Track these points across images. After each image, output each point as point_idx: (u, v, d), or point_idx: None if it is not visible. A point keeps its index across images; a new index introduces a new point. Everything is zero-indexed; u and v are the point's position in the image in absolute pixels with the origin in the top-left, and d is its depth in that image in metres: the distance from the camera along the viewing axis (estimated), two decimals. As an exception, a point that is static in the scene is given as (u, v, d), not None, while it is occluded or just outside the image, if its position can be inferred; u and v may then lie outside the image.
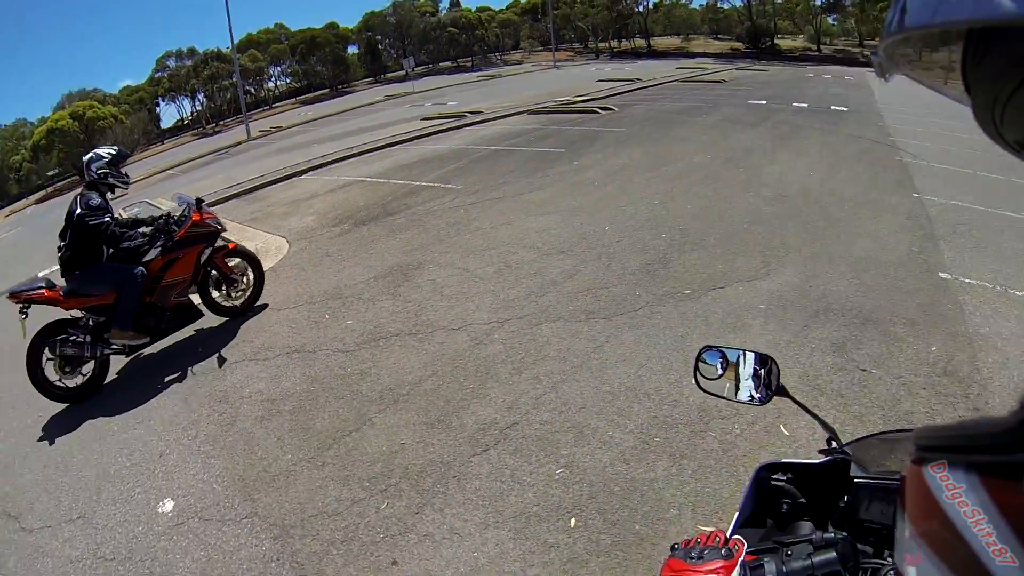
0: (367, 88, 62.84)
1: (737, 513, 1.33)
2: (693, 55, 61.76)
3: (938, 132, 13.83)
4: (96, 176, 5.17)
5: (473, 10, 75.20)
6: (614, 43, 71.86)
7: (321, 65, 70.10)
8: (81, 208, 4.99)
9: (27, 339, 4.88)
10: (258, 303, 6.36)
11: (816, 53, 63.21)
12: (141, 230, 5.39)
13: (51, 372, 5.02)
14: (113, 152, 5.35)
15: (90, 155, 5.26)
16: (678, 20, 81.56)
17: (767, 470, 1.34)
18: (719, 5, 71.67)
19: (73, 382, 5.11)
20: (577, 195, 9.39)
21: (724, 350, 1.46)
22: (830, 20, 72.49)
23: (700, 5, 76.11)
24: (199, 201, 5.59)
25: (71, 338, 5.00)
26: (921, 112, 16.91)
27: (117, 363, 5.68)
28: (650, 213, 8.11)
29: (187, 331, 6.02)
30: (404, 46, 72.62)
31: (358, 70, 73.29)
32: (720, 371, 1.45)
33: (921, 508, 0.54)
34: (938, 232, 6.69)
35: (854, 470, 1.25)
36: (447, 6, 78.86)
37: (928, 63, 0.45)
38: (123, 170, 5.41)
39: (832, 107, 17.85)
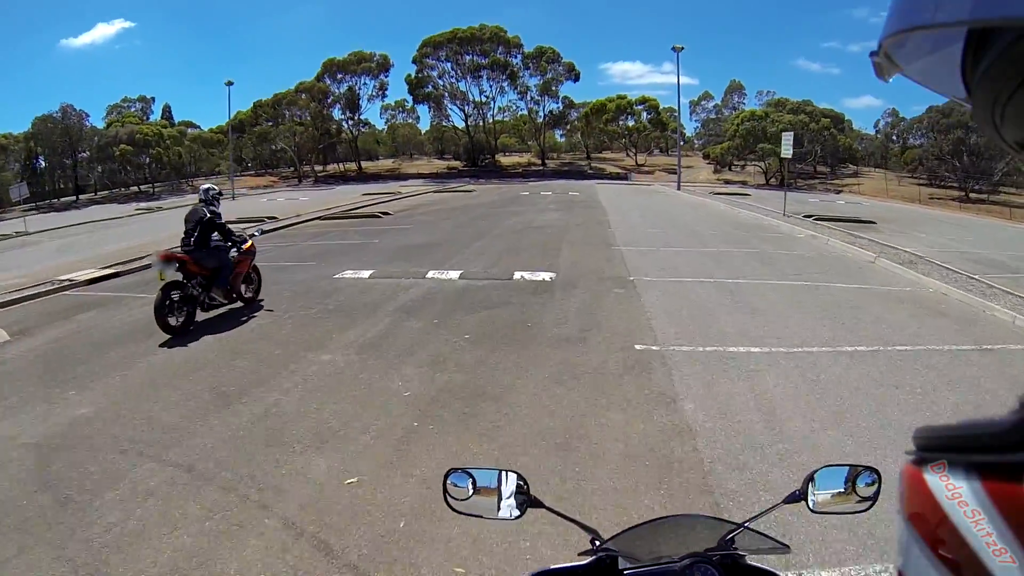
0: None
1: None
2: (406, 176, 58.40)
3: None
4: (210, 197, 8.67)
5: (156, 123, 64.20)
6: (319, 167, 65.36)
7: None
8: (208, 213, 8.43)
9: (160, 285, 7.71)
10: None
11: (542, 168, 63.43)
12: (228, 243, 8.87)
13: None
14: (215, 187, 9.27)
15: (209, 185, 9.10)
16: (402, 139, 79.47)
17: None
18: (442, 124, 69.30)
19: (176, 321, 7.87)
20: None
21: (471, 471, 1.46)
22: (557, 136, 75.53)
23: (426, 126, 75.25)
24: (252, 234, 9.87)
25: (189, 290, 8.06)
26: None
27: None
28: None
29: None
30: (75, 164, 59.07)
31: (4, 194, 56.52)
32: (471, 491, 1.45)
33: (921, 508, 0.55)
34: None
35: (622, 563, 1.34)
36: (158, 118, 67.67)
37: (927, 63, 0.45)
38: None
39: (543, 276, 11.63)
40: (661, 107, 64.16)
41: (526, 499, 1.45)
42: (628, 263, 11.67)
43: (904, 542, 0.57)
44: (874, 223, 20.19)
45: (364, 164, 69.31)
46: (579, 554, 1.41)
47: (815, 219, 20.09)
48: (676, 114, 58.90)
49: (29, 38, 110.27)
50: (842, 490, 1.43)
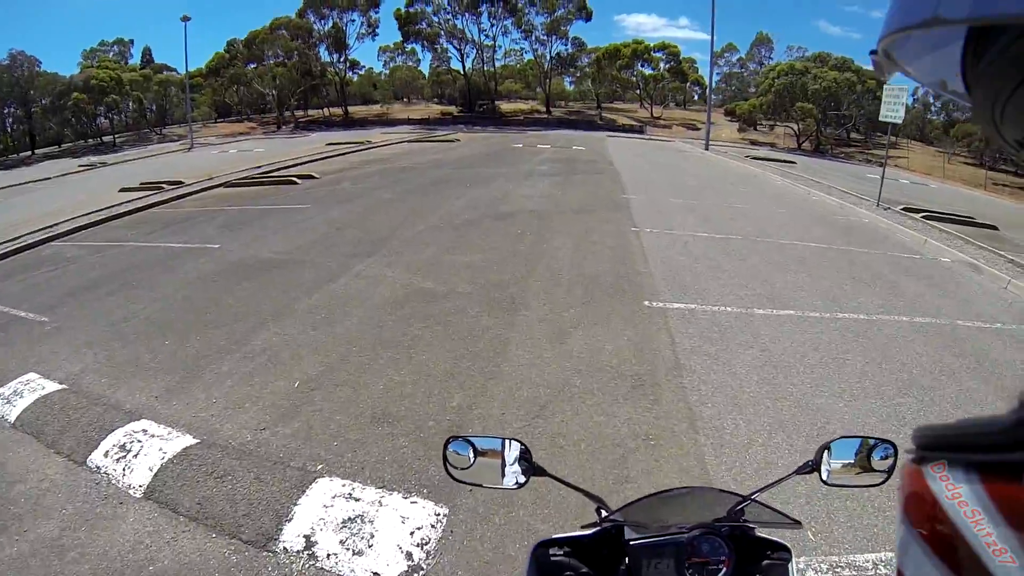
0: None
1: None
2: (395, 122, 52.49)
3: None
4: None
5: (125, 67, 57.66)
6: (301, 112, 58.79)
7: None
8: None
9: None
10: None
11: (546, 116, 56.44)
12: None
13: None
14: None
15: None
16: (400, 82, 72.81)
17: (543, 547, 1.38)
18: (440, 67, 62.55)
19: None
20: None
21: (472, 439, 1.43)
22: (567, 83, 69.47)
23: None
24: None
25: None
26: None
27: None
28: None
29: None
30: (28, 115, 52.89)
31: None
32: (472, 460, 1.42)
33: (921, 508, 0.55)
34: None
35: (628, 533, 1.33)
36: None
37: (927, 62, 0.45)
38: None
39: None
40: (682, 56, 57.08)
41: (529, 467, 1.44)
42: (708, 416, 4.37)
43: (904, 541, 0.57)
44: (995, 228, 13.48)
45: (353, 109, 62.68)
46: (583, 526, 1.41)
47: (923, 216, 13.20)
48: (707, 63, 51.77)
49: None
50: (856, 462, 1.40)
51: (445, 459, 1.42)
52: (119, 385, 4.99)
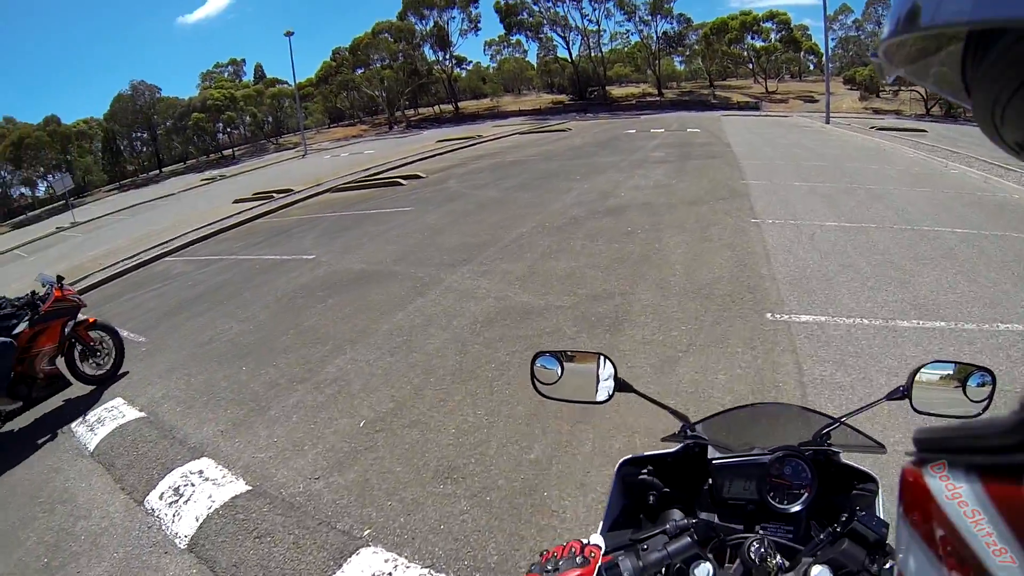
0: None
1: (605, 514, 1.39)
2: (505, 115, 52.22)
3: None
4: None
5: (241, 83, 61.73)
6: (412, 111, 60.13)
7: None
8: None
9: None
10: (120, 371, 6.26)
11: (658, 99, 54.54)
12: (6, 308, 5.70)
13: None
14: None
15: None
16: (508, 75, 72.92)
17: (629, 465, 1.41)
18: (547, 56, 62.08)
19: None
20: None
21: (559, 354, 1.45)
22: (676, 63, 67.81)
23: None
24: (60, 279, 6.00)
25: None
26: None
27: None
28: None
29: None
30: (154, 138, 57.77)
31: (97, 174, 56.61)
32: (560, 374, 1.44)
33: (921, 509, 0.54)
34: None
35: (711, 452, 1.34)
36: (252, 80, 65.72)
37: (928, 64, 0.45)
38: None
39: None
40: (793, 23, 53.41)
41: (615, 382, 1.42)
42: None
43: (904, 542, 0.57)
44: None
45: (463, 104, 63.69)
46: (663, 439, 1.47)
47: None
48: (820, 29, 47.81)
49: (147, 19, 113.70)
50: (951, 390, 1.33)
51: (533, 375, 1.45)
52: (190, 415, 4.81)
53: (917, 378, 1.32)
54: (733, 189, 11.53)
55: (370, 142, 45.52)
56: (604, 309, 5.96)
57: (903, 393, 1.34)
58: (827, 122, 29.86)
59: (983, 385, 1.30)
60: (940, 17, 0.36)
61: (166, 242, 13.24)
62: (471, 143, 28.35)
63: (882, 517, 1.20)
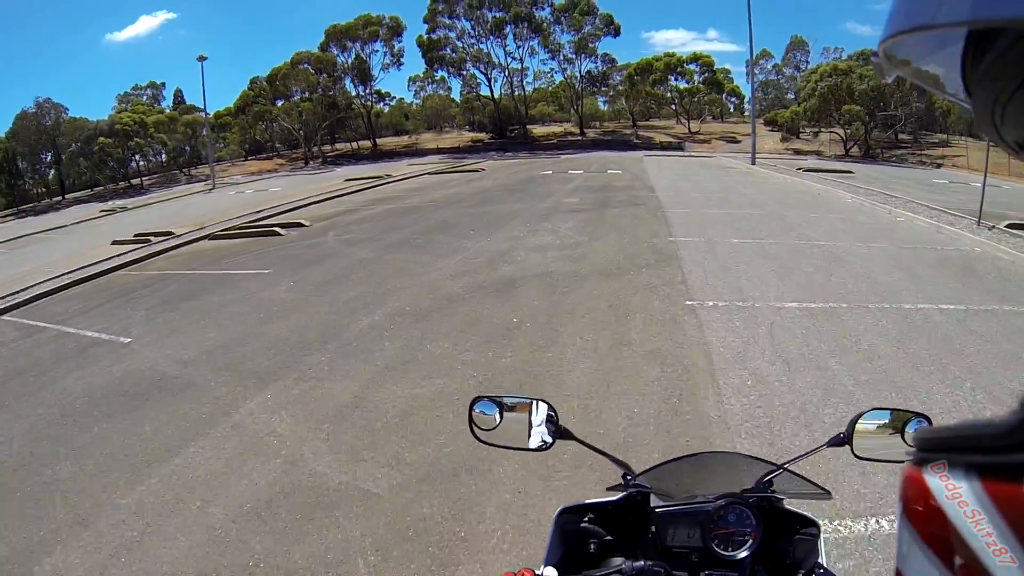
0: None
1: (543, 562, 1.30)
2: (423, 152, 50.47)
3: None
4: None
5: (142, 106, 57.33)
6: (328, 146, 57.22)
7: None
8: None
9: None
10: None
11: (580, 138, 53.73)
12: None
13: None
14: None
15: None
16: (431, 111, 70.92)
17: (568, 513, 1.37)
18: (470, 94, 60.52)
19: None
20: None
21: (498, 399, 1.42)
22: (600, 103, 67.40)
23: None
24: None
25: None
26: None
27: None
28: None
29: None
30: (57, 161, 53.42)
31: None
32: (498, 420, 1.40)
33: (921, 509, 0.54)
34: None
35: (654, 500, 1.33)
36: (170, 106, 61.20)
37: (928, 64, 0.45)
38: None
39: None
40: (716, 66, 53.90)
41: (556, 429, 1.40)
42: None
43: (904, 542, 0.57)
44: None
45: (383, 141, 60.86)
46: (608, 488, 1.39)
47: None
48: (742, 73, 48.54)
49: (76, 32, 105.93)
50: (889, 436, 1.37)
51: (471, 420, 1.40)
52: None
53: (857, 426, 1.34)
54: (659, 250, 9.37)
55: (281, 178, 42.43)
56: (439, 508, 3.47)
57: (844, 440, 1.35)
58: (753, 163, 28.86)
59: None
60: (940, 17, 0.36)
61: (12, 293, 11.35)
62: (377, 183, 25.85)
63: (826, 566, 1.23)
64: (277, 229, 15.59)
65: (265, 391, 5.21)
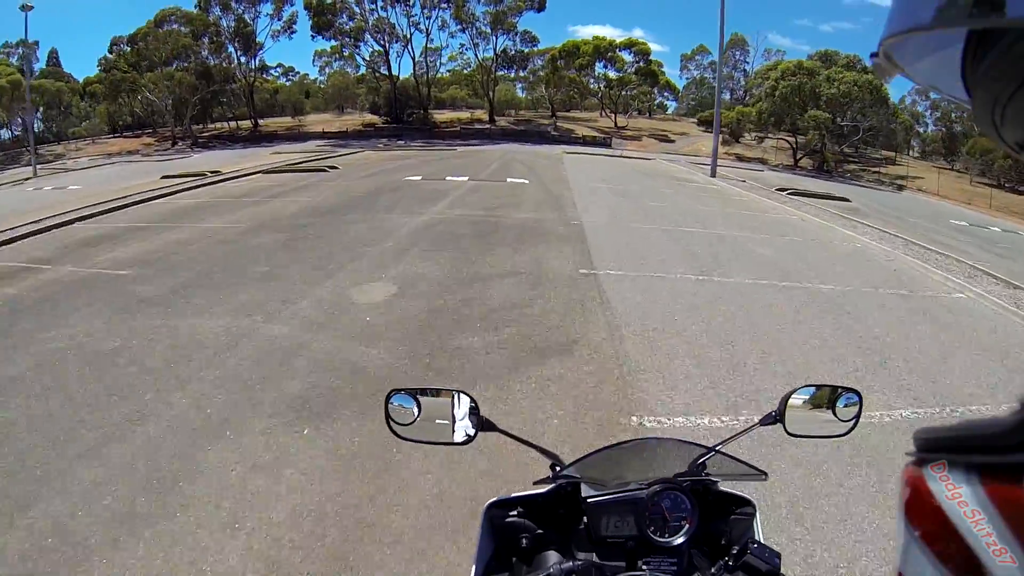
0: None
1: (475, 559, 1.28)
2: (307, 136, 43.55)
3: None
4: None
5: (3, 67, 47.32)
6: (201, 125, 49.20)
7: None
8: None
9: None
10: None
11: (488, 127, 48.28)
12: None
13: None
14: None
15: None
16: (335, 90, 63.72)
17: (496, 508, 1.32)
18: (372, 71, 53.74)
19: None
20: None
21: (416, 392, 1.33)
22: (518, 90, 64.38)
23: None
24: None
25: None
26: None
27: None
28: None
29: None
30: None
31: None
32: (417, 414, 1.32)
33: (921, 508, 0.54)
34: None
35: (585, 490, 1.29)
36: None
37: (928, 64, 0.45)
38: None
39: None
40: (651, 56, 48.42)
41: (478, 421, 1.33)
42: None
43: (904, 542, 0.57)
44: None
45: (275, 120, 53.56)
46: (535, 482, 1.30)
47: None
48: (675, 73, 43.54)
49: None
50: (821, 412, 1.36)
51: (388, 415, 1.32)
52: None
53: (789, 403, 1.31)
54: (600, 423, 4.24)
55: (125, 165, 33.98)
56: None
57: (775, 418, 1.32)
58: (713, 175, 22.59)
59: (850, 405, 1.32)
60: (940, 17, 0.36)
61: None
62: (192, 184, 18.55)
63: (763, 541, 1.16)
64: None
65: None
